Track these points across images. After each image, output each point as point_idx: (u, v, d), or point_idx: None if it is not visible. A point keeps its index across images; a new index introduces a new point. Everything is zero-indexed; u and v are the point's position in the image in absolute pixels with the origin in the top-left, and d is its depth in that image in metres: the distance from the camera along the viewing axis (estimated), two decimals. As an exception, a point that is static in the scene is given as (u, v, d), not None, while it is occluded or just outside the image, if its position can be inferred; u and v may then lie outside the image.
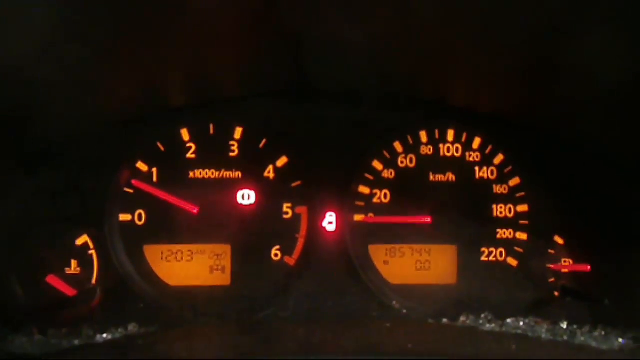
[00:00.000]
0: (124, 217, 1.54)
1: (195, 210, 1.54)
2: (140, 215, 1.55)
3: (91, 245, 1.52)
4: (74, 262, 1.51)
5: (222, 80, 1.49)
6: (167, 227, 1.55)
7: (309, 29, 1.14)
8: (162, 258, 1.56)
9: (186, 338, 1.17)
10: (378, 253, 1.61)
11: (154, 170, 1.55)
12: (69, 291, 1.48)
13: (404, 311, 1.57)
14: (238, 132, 1.58)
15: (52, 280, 1.49)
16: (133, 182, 1.54)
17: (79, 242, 1.51)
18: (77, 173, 1.51)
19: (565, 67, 1.19)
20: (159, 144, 1.56)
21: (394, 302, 1.58)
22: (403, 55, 1.30)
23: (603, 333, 1.37)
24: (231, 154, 1.58)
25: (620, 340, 1.31)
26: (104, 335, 1.32)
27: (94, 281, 1.51)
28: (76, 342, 1.28)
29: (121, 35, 1.05)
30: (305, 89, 1.57)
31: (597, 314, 1.49)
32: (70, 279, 1.49)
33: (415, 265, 1.61)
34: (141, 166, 1.55)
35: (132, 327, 1.38)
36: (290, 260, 1.58)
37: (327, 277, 1.56)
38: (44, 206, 1.49)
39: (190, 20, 1.05)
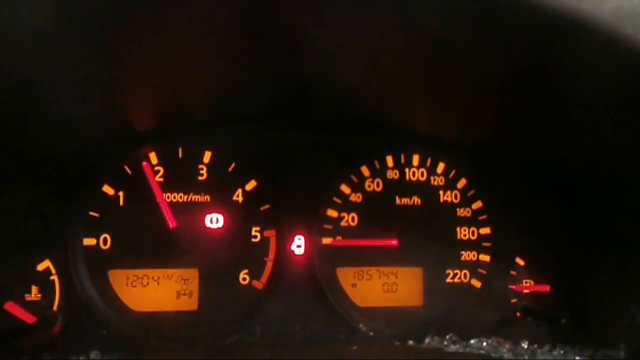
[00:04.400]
0: (89, 241, 1.51)
1: (172, 225, 1.52)
2: (105, 240, 1.52)
3: (53, 271, 1.47)
4: (34, 288, 1.46)
5: (196, 105, 1.50)
6: (133, 252, 1.53)
7: (298, 48, 1.15)
8: (127, 283, 1.53)
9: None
10: (346, 276, 1.63)
11: (121, 194, 1.54)
12: (29, 318, 1.43)
13: (371, 333, 1.58)
14: (207, 156, 1.58)
15: (10, 307, 1.43)
16: (144, 164, 1.52)
17: (41, 267, 1.47)
18: (40, 196, 1.48)
19: (530, 104, 1.25)
20: (126, 167, 1.55)
21: (361, 325, 1.59)
22: (373, 84, 1.34)
23: (561, 352, 1.42)
24: (200, 178, 1.58)
25: (577, 358, 1.36)
26: (65, 364, 1.28)
27: (55, 308, 1.47)
28: (35, 371, 1.24)
29: (90, 53, 1.03)
30: (276, 114, 1.59)
31: (556, 334, 1.55)
32: (30, 306, 1.44)
33: (383, 287, 1.63)
34: (107, 190, 1.53)
35: (94, 355, 1.34)
36: (259, 284, 1.58)
37: (295, 301, 1.57)
38: (4, 230, 1.45)
39: (172, 38, 1.04)
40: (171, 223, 1.52)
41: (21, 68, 0.99)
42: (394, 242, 1.61)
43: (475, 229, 1.67)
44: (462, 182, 1.68)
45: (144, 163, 1.53)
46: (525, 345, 1.47)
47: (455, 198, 1.67)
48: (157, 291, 1.54)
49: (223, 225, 1.57)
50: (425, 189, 1.66)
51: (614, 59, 0.90)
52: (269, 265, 1.59)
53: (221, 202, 1.58)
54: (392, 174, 1.66)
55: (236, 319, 1.55)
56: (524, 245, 1.66)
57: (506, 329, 1.59)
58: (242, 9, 0.94)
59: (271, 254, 1.59)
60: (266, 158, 1.60)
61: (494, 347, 1.45)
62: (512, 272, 1.66)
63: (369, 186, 1.65)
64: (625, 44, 0.84)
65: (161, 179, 1.56)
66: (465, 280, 1.65)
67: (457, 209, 1.67)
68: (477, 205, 1.68)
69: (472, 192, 1.68)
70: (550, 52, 0.96)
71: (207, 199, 1.57)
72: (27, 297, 1.46)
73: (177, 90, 1.34)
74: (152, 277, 1.54)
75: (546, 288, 1.65)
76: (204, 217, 1.57)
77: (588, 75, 1.00)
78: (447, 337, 1.49)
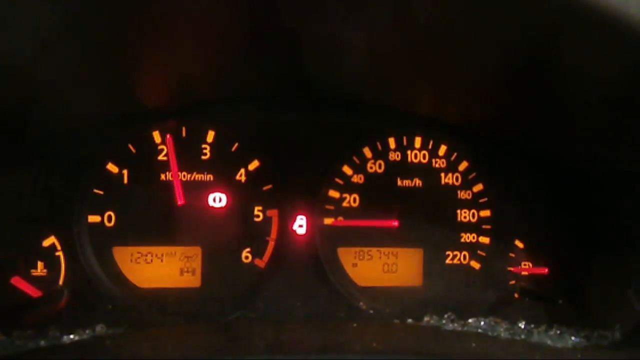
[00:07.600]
0: (93, 218, 1.53)
1: (180, 202, 1.53)
2: (109, 217, 1.54)
3: (58, 247, 1.50)
4: (40, 264, 1.49)
5: (200, 85, 1.50)
6: (137, 229, 1.55)
7: (302, 31, 1.15)
8: (131, 260, 1.56)
9: (154, 339, 1.17)
10: (347, 256, 1.65)
11: (125, 172, 1.55)
12: (35, 292, 1.46)
13: (371, 312, 1.61)
14: (210, 136, 1.59)
15: (16, 281, 1.46)
16: (167, 137, 1.53)
17: (46, 243, 1.50)
18: (45, 173, 1.49)
19: (532, 86, 1.25)
20: (130, 146, 1.56)
21: (361, 304, 1.61)
22: (375, 66, 1.34)
23: (558, 332, 1.44)
24: (203, 157, 1.59)
25: (573, 338, 1.39)
26: (71, 337, 1.31)
27: (61, 283, 1.49)
28: (42, 343, 1.26)
29: (98, 34, 1.04)
30: (279, 94, 1.60)
31: (552, 315, 1.57)
32: (35, 281, 1.47)
33: (383, 267, 1.66)
34: (111, 168, 1.55)
35: (99, 328, 1.37)
36: (261, 263, 1.61)
37: (296, 279, 1.59)
38: (10, 206, 1.47)
39: (178, 20, 1.04)
40: (179, 200, 1.54)
41: (27, 48, 1.00)
42: (395, 223, 1.63)
43: (475, 212, 1.68)
44: (463, 165, 1.69)
45: (168, 136, 1.54)
46: (522, 325, 1.50)
47: (456, 180, 1.69)
48: (160, 268, 1.57)
49: (226, 205, 1.59)
50: (426, 171, 1.67)
51: (618, 40, 0.90)
52: (271, 244, 1.61)
53: (224, 181, 1.59)
54: (394, 156, 1.67)
55: (238, 296, 1.58)
56: (524, 228, 1.68)
57: (504, 309, 1.62)
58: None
59: (273, 234, 1.61)
60: (269, 138, 1.60)
61: (491, 327, 1.47)
62: (511, 254, 1.68)
63: (371, 167, 1.66)
64: (630, 24, 0.84)
65: (165, 158, 1.57)
66: (465, 262, 1.67)
67: (458, 192, 1.68)
68: (477, 188, 1.69)
69: (473, 175, 1.69)
70: (554, 33, 0.96)
71: (210, 178, 1.59)
72: (33, 272, 1.48)
73: (181, 71, 1.34)
74: (156, 255, 1.57)
75: (544, 270, 1.66)
76: (207, 196, 1.58)
77: (592, 57, 1.00)
78: (446, 316, 1.52)
